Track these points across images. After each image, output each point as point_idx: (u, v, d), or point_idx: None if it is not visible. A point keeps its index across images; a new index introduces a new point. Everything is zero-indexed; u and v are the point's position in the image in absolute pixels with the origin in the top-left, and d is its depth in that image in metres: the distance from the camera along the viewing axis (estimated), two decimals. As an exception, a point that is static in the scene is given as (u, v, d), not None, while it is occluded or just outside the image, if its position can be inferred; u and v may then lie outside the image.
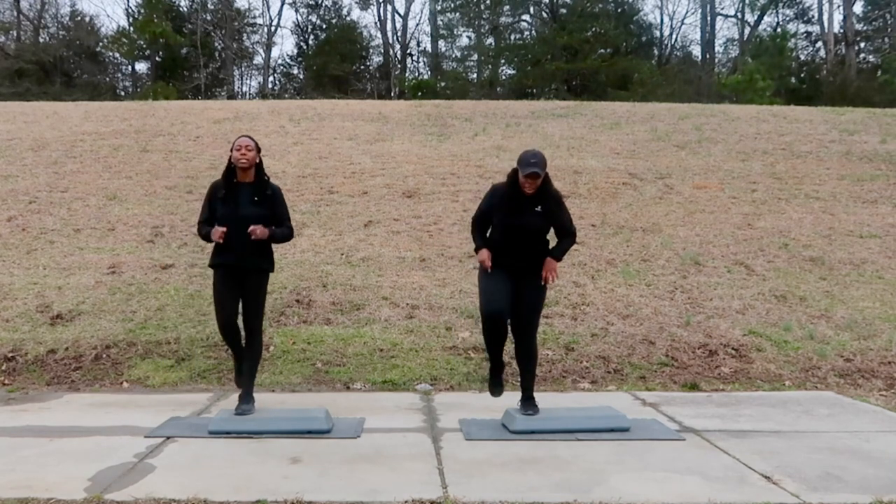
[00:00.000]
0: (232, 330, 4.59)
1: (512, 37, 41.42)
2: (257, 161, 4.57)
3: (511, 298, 4.41)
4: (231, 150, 4.55)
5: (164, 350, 6.16)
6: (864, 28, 36.59)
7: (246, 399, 4.58)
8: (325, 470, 3.69)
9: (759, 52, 31.39)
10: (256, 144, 4.59)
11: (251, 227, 4.38)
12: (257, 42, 43.51)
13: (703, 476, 3.68)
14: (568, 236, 4.54)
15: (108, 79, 38.81)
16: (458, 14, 41.61)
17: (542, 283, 4.48)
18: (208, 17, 40.02)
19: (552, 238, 4.57)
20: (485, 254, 4.41)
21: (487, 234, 4.57)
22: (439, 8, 41.31)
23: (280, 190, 4.70)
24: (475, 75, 40.28)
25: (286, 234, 4.66)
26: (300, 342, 6.26)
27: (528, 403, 4.57)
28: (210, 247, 4.66)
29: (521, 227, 4.39)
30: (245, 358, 4.64)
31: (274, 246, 4.68)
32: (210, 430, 4.29)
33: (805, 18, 38.39)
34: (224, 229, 4.40)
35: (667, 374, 5.99)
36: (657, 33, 42.57)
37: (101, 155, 12.30)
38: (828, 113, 16.79)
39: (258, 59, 43.46)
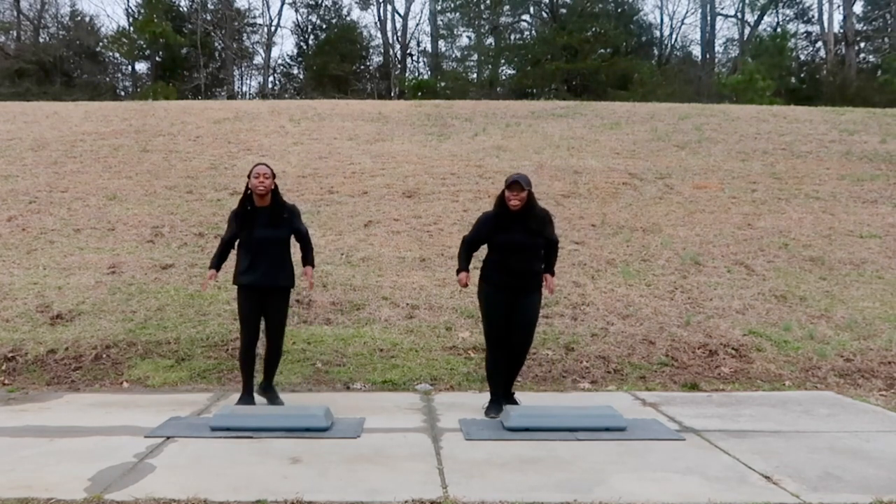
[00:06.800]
0: (253, 351, 4.98)
1: (512, 37, 41.41)
2: (273, 187, 4.89)
3: (509, 316, 4.77)
4: (249, 177, 4.87)
5: (164, 350, 6.16)
6: (864, 28, 36.59)
7: (268, 386, 5.05)
8: (325, 470, 3.69)
9: (759, 52, 31.38)
10: (272, 172, 4.92)
11: (310, 282, 5.00)
12: (257, 42, 43.53)
13: (703, 476, 3.68)
14: (551, 247, 4.86)
15: (108, 79, 38.78)
16: (458, 14, 41.57)
17: (540, 298, 4.87)
18: (208, 17, 40.00)
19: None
20: (464, 276, 4.76)
21: (483, 256, 4.90)
22: (439, 8, 41.31)
23: (296, 207, 5.08)
24: (475, 75, 40.26)
25: (311, 249, 5.11)
26: (300, 342, 6.26)
27: (511, 400, 4.97)
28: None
29: (514, 245, 4.66)
30: (267, 361, 5.05)
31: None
32: (212, 426, 4.31)
33: (805, 18, 38.41)
34: (209, 277, 4.92)
35: (667, 374, 5.99)
36: (657, 33, 42.60)
37: (101, 155, 12.30)
38: (828, 113, 16.79)
39: (258, 59, 43.47)
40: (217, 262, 4.95)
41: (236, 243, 4.93)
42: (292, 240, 5.02)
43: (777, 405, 5.20)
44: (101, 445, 4.08)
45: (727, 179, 11.41)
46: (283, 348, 5.18)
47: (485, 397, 5.09)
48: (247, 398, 4.97)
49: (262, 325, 5.00)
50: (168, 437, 4.22)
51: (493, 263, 4.76)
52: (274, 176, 4.91)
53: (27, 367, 5.93)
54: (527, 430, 4.34)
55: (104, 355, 6.08)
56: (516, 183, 4.62)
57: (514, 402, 4.96)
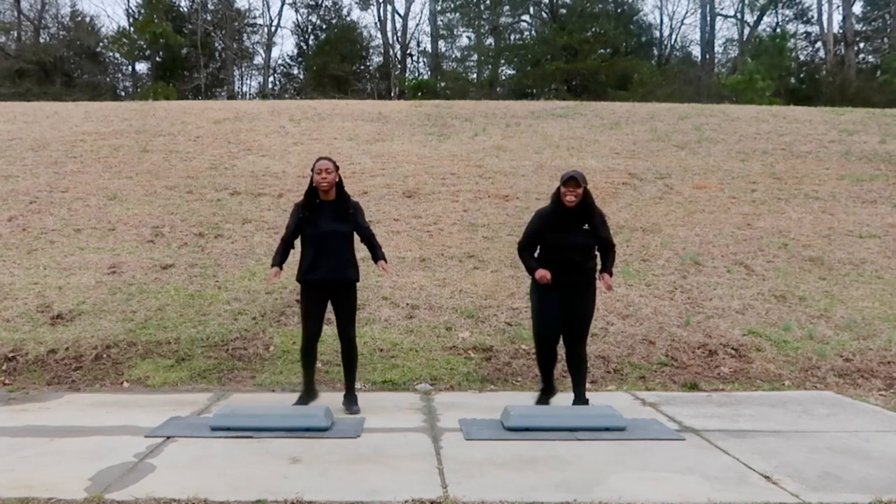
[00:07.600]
0: (314, 347, 4.95)
1: (512, 37, 41.42)
2: (337, 180, 4.81)
3: (562, 313, 4.76)
4: (312, 172, 4.81)
5: (164, 350, 6.17)
6: (864, 28, 36.61)
7: (351, 400, 4.93)
8: (325, 470, 3.70)
9: (758, 52, 31.38)
10: (335, 165, 4.84)
11: (387, 271, 4.85)
12: (257, 42, 43.57)
13: (703, 476, 3.68)
14: (610, 248, 4.85)
15: (108, 79, 38.82)
16: (458, 14, 41.60)
17: (595, 294, 4.83)
18: (208, 18, 40.03)
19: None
20: (542, 270, 4.64)
21: (536, 255, 4.85)
22: (439, 8, 41.34)
23: (359, 204, 4.98)
24: (475, 75, 40.30)
25: (379, 246, 4.92)
26: (300, 342, 6.26)
27: (580, 403, 4.88)
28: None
29: (571, 245, 4.64)
30: (345, 364, 5.00)
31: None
32: (212, 426, 4.32)
33: (804, 19, 38.43)
34: (273, 275, 4.78)
35: (667, 374, 6.00)
36: (657, 33, 42.64)
37: (102, 155, 12.30)
38: (827, 113, 16.79)
39: (258, 60, 43.52)
40: (280, 260, 4.84)
41: (298, 239, 4.85)
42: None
43: (777, 405, 5.21)
44: (102, 445, 4.08)
45: (727, 179, 11.41)
46: (357, 351, 5.04)
47: (485, 397, 5.13)
48: (307, 395, 4.89)
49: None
50: (168, 437, 4.23)
51: (547, 262, 4.70)
52: (337, 169, 4.81)
53: (27, 367, 5.93)
54: (527, 429, 4.35)
55: (104, 355, 6.08)
56: (573, 179, 4.59)
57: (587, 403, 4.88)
